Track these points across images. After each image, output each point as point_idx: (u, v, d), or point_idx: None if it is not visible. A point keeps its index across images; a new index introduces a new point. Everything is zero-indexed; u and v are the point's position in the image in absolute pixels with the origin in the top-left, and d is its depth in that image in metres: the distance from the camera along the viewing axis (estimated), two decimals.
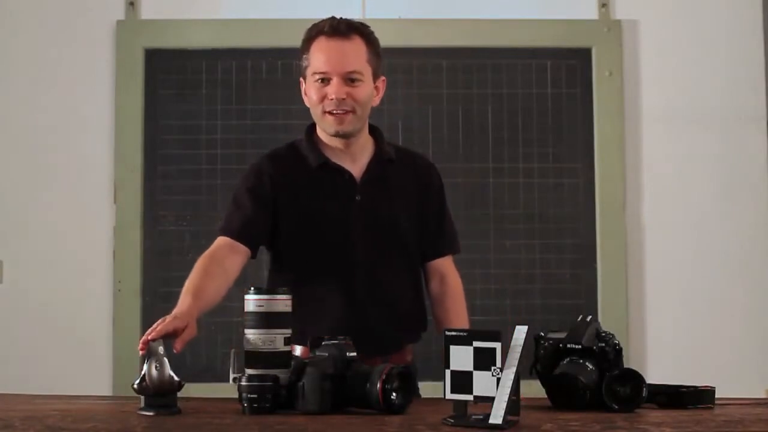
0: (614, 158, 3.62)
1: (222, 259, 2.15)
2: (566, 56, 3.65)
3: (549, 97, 3.64)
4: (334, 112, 2.17)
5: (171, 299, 3.46)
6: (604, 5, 3.67)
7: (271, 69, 3.60)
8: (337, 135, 2.21)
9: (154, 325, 1.82)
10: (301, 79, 2.26)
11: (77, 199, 3.58)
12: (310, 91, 2.21)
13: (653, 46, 3.69)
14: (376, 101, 2.26)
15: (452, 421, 1.51)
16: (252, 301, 1.76)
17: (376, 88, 2.24)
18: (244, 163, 3.43)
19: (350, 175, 2.23)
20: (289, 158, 2.27)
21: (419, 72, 3.62)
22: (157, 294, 3.54)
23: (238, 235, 2.19)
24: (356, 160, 2.26)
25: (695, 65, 3.68)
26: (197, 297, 2.01)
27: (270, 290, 1.77)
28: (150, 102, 3.60)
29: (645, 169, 3.65)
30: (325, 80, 2.17)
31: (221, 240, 2.20)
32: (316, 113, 2.22)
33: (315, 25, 2.22)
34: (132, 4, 3.63)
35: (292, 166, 2.25)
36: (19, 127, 3.61)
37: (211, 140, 3.59)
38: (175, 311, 1.93)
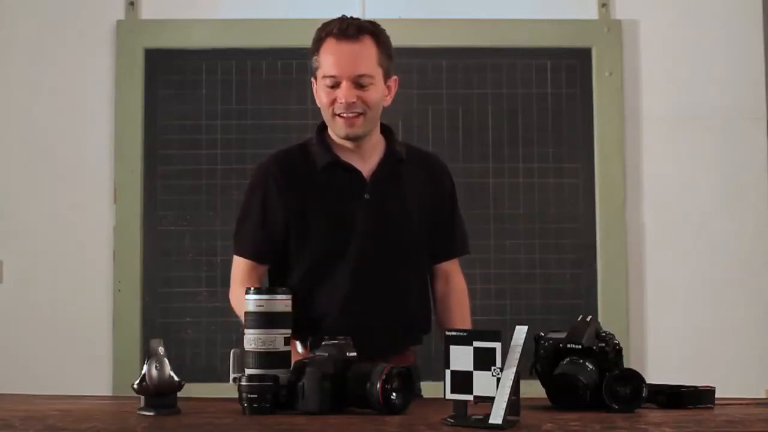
0: (614, 158, 3.62)
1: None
2: (566, 56, 3.65)
3: (549, 97, 3.64)
4: (344, 115, 2.15)
5: (171, 299, 3.54)
6: (604, 5, 3.67)
7: (271, 69, 3.60)
8: (347, 138, 2.20)
9: None
10: (312, 79, 2.24)
11: (77, 199, 3.58)
12: (320, 94, 2.19)
13: (653, 46, 3.69)
14: (388, 101, 2.24)
15: (452, 421, 1.51)
16: (252, 301, 1.76)
17: (388, 87, 2.22)
18: (244, 163, 3.49)
19: (360, 174, 2.22)
20: (298, 157, 2.25)
21: (419, 72, 3.62)
22: (157, 294, 3.55)
23: (255, 256, 2.24)
24: (367, 160, 2.24)
25: (695, 65, 3.68)
26: None
27: (270, 290, 1.77)
28: (150, 102, 3.60)
29: (645, 169, 3.65)
30: (335, 83, 2.15)
31: (241, 264, 2.24)
32: (326, 115, 2.20)
33: (324, 26, 2.19)
34: (132, 4, 3.63)
35: (300, 165, 2.23)
36: (19, 127, 3.61)
37: (211, 140, 3.59)
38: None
